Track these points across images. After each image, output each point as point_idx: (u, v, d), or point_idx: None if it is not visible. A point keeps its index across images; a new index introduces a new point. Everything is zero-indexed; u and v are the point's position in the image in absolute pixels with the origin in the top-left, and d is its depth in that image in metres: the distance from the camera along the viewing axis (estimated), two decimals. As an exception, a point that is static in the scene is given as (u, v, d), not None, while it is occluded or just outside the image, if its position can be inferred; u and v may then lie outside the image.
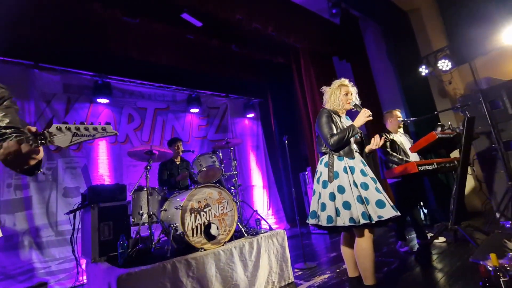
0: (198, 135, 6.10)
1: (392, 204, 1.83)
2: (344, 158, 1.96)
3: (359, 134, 2.08)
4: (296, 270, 2.92)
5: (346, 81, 2.18)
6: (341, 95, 2.12)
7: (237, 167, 3.26)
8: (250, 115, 6.85)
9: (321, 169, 2.03)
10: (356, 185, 1.86)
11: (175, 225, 2.22)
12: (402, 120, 3.39)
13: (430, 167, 2.80)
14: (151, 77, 5.44)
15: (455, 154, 3.38)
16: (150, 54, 5.12)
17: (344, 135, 1.93)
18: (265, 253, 2.51)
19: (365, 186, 1.85)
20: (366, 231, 1.87)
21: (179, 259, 2.03)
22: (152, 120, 5.48)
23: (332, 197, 1.88)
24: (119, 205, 2.69)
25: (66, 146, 1.04)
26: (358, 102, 2.15)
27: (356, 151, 2.04)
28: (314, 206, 2.01)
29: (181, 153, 3.62)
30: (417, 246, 3.17)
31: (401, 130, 3.37)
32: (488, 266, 1.67)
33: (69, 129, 1.05)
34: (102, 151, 4.70)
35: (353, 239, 2.00)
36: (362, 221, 1.76)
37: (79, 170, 4.14)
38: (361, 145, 2.18)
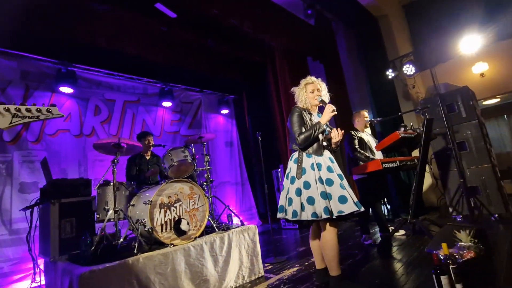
0: (171, 130, 5.94)
1: (355, 200, 1.92)
2: (313, 155, 2.02)
3: (328, 130, 2.15)
4: (266, 265, 2.97)
5: (311, 79, 2.23)
6: (307, 93, 2.18)
7: (210, 162, 3.23)
8: (225, 112, 6.80)
9: (291, 165, 2.09)
10: (321, 181, 1.94)
11: (143, 221, 2.15)
12: (370, 120, 3.58)
13: (393, 165, 2.98)
14: (121, 68, 5.18)
15: (416, 153, 3.64)
16: (121, 43, 4.87)
17: (310, 133, 1.99)
18: (236, 248, 2.53)
19: (329, 182, 1.93)
20: (330, 225, 1.96)
21: (146, 255, 1.98)
22: (121, 113, 5.24)
23: (298, 192, 1.96)
24: (82, 201, 2.55)
25: (5, 128, 1.02)
26: (327, 97, 2.20)
27: (325, 148, 2.11)
28: (282, 200, 2.08)
29: (151, 148, 3.50)
30: (379, 239, 3.37)
31: (368, 129, 3.55)
32: (440, 255, 1.83)
33: (7, 110, 1.02)
34: (65, 144, 4.41)
35: (321, 232, 2.08)
36: (324, 216, 1.85)
37: (37, 164, 3.85)
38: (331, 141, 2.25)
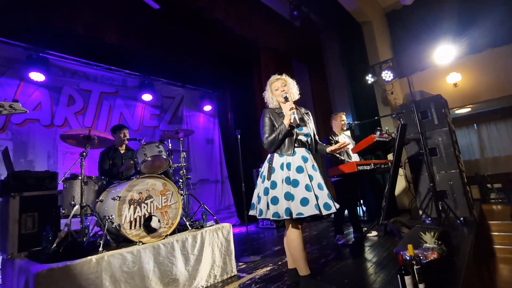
0: (150, 124, 5.78)
1: (324, 202, 1.91)
2: (284, 155, 2.02)
3: (301, 124, 2.08)
4: (240, 264, 2.95)
5: (275, 77, 2.19)
6: (273, 92, 2.16)
7: (186, 158, 3.16)
8: (207, 108, 6.70)
9: (264, 165, 2.12)
10: (288, 181, 1.94)
11: (110, 217, 2.06)
12: (348, 123, 3.65)
13: (368, 167, 3.05)
14: (99, 58, 4.97)
15: (391, 156, 3.74)
16: (99, 32, 4.64)
17: (274, 137, 1.99)
18: (209, 246, 2.48)
19: (295, 183, 1.93)
20: (292, 225, 1.97)
21: (112, 253, 1.90)
22: (97, 105, 5.03)
23: (266, 191, 1.99)
24: (47, 195, 2.40)
25: None
26: (296, 93, 2.16)
27: (301, 146, 2.07)
28: (254, 198, 2.11)
29: (126, 142, 3.37)
30: (353, 239, 3.44)
31: (348, 132, 3.61)
32: (406, 256, 1.88)
33: None
34: (33, 134, 4.17)
35: None
36: (284, 217, 1.87)
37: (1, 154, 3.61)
38: (310, 136, 2.15)
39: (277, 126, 2.03)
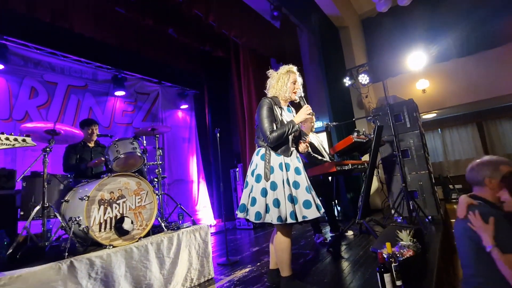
0: (122, 121, 5.48)
1: (317, 203, 1.88)
2: (281, 155, 1.91)
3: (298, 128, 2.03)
4: (218, 266, 2.86)
5: (294, 68, 2.06)
6: (289, 82, 1.99)
7: (162, 157, 3.01)
8: (184, 106, 6.51)
9: (257, 161, 1.93)
10: (288, 183, 1.85)
11: (77, 219, 1.89)
12: (327, 124, 3.70)
13: (346, 168, 3.11)
14: (67, 48, 4.62)
15: (366, 157, 3.86)
16: (68, 19, 4.29)
17: (283, 132, 1.85)
18: (185, 248, 2.37)
19: (296, 185, 1.86)
20: (287, 229, 1.90)
21: (78, 258, 1.73)
22: (64, 99, 4.67)
23: (264, 193, 1.83)
24: (3, 195, 2.16)
25: None
26: (302, 93, 2.06)
27: (293, 147, 2.01)
28: (244, 199, 1.93)
29: (95, 138, 3.14)
30: (329, 238, 3.48)
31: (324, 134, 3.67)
32: (384, 254, 1.92)
33: None
34: (-12, 128, 3.76)
35: None
36: (290, 221, 1.77)
37: None
38: (299, 139, 2.14)
39: (279, 121, 1.91)
